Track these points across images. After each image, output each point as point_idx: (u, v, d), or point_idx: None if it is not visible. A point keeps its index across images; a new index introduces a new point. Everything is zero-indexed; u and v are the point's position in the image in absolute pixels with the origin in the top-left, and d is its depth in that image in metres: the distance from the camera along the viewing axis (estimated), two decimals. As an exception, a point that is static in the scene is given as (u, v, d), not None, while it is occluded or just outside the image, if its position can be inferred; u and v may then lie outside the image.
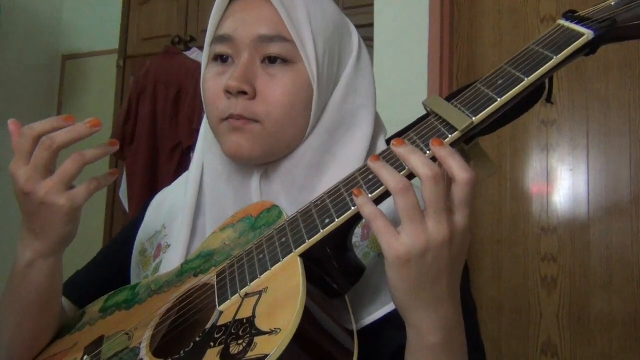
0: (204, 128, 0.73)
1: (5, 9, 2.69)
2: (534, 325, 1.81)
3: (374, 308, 0.58)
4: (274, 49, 0.62)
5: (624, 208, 1.76)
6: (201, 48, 2.43)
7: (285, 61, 0.62)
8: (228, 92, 0.61)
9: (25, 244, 0.61)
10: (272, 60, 0.62)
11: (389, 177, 0.46)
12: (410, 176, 0.48)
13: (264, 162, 0.65)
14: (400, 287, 0.47)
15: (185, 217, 0.70)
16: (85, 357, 0.59)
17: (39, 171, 0.56)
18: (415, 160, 0.46)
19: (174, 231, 0.72)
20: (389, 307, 0.57)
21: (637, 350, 1.68)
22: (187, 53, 2.47)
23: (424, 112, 0.54)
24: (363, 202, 0.47)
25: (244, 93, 0.61)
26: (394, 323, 0.55)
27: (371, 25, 2.03)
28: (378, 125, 0.69)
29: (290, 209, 0.63)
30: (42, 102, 2.97)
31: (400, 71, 1.97)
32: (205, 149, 0.71)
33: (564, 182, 1.84)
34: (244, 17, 0.63)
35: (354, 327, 0.49)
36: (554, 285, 1.80)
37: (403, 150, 0.47)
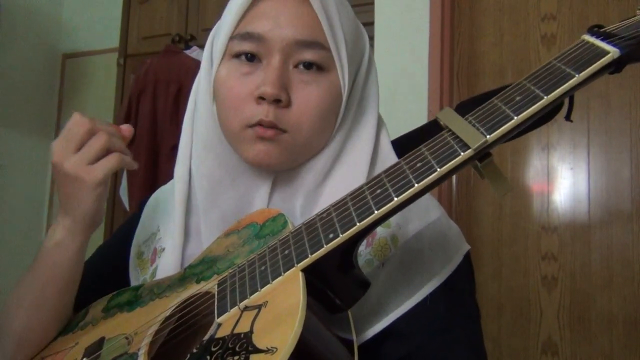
0: (189, 131, 0.70)
1: (6, 7, 2.69)
2: (534, 324, 1.81)
3: (375, 320, 0.57)
4: (310, 56, 0.59)
5: (625, 207, 1.76)
6: (202, 47, 2.41)
7: (319, 69, 0.60)
8: (262, 98, 0.58)
9: (57, 223, 0.63)
10: (306, 66, 0.60)
11: None
12: (432, 185, 0.45)
13: (285, 169, 0.63)
14: None
15: (176, 221, 0.68)
16: (85, 359, 0.59)
17: (71, 145, 0.59)
18: None
19: (167, 234, 0.71)
20: (391, 318, 0.56)
21: (638, 350, 1.68)
22: (188, 52, 2.46)
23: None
24: None
25: (278, 101, 0.58)
26: (395, 334, 0.54)
27: (372, 23, 2.03)
28: (379, 122, 0.67)
29: (296, 215, 0.62)
30: (42, 100, 2.96)
31: (400, 69, 1.97)
32: (198, 153, 0.67)
33: (564, 181, 1.84)
34: (279, 16, 0.59)
35: (355, 341, 0.48)
36: (554, 284, 1.80)
37: None
